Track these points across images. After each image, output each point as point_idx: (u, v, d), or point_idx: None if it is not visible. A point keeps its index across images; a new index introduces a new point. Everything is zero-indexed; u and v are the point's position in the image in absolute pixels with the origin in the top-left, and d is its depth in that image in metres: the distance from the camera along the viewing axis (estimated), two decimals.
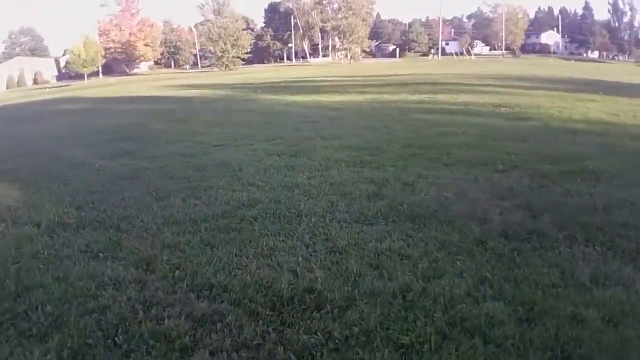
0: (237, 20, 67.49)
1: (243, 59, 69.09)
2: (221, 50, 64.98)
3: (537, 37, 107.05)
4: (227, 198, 6.03)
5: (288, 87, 27.57)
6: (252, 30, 70.75)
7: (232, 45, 65.69)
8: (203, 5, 66.83)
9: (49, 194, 6.74)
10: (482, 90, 19.64)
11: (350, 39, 69.15)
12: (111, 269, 4.08)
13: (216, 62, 66.64)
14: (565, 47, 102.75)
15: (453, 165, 7.36)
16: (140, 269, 4.10)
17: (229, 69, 64.84)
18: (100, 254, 4.43)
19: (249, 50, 69.42)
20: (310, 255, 4.25)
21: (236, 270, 3.99)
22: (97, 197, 6.44)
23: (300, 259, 4.16)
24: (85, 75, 62.05)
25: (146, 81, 48.24)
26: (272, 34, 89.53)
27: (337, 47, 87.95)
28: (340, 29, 69.09)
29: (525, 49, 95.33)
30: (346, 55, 75.40)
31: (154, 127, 13.83)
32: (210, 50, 65.58)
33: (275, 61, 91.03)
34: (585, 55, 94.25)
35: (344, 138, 10.05)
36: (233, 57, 66.20)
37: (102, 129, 14.03)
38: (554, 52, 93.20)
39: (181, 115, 16.34)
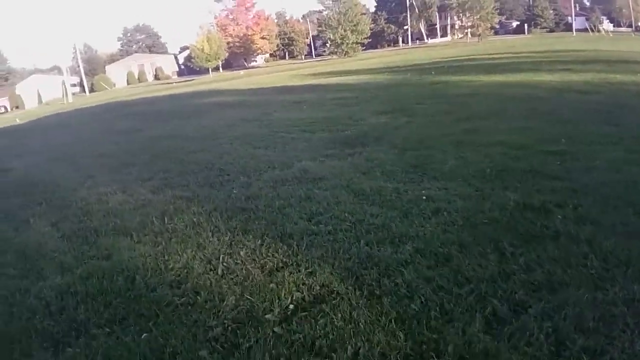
0: (355, 5, 63.19)
1: (363, 44, 64.83)
2: (341, 36, 61.14)
3: None
4: None
5: (458, 67, 22.93)
6: (364, 14, 66.12)
7: (352, 31, 61.60)
8: None
9: None
10: None
11: (478, 15, 62.20)
12: None
13: (335, 50, 62.94)
14: None
15: None
16: None
17: (349, 56, 60.95)
18: None
19: (368, 34, 64.94)
20: None
21: None
22: None
23: None
24: (210, 69, 61.11)
25: (275, 72, 45.73)
26: (386, 17, 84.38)
27: (458, 25, 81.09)
28: (468, 4, 62.33)
29: None
30: (471, 34, 68.47)
31: (380, 121, 9.94)
32: (329, 38, 61.89)
33: (388, 45, 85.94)
34: None
35: None
36: (353, 43, 62.12)
37: (309, 124, 10.41)
38: None
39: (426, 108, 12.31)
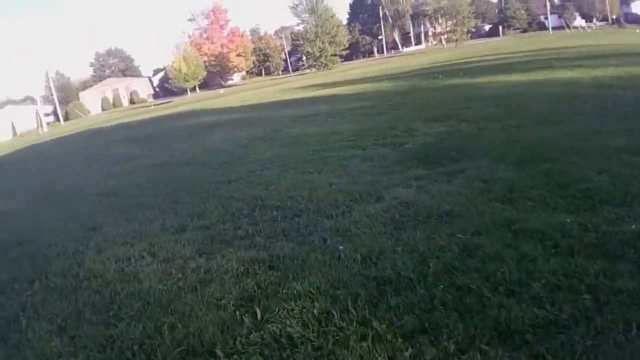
0: (332, 17, 61.85)
1: (341, 56, 63.45)
2: (319, 49, 59.63)
3: (627, 7, 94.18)
4: None
5: (461, 70, 21.36)
6: (341, 26, 64.79)
7: (330, 43, 60.19)
8: (296, 5, 61.69)
9: None
10: None
11: (455, 20, 61.42)
12: None
13: (314, 63, 61.40)
14: None
15: None
16: None
17: (328, 68, 59.48)
18: None
19: (346, 46, 63.62)
20: None
21: None
22: None
23: None
24: (189, 89, 58.74)
25: (258, 88, 43.76)
26: (360, 28, 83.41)
27: (432, 32, 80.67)
28: (444, 10, 61.54)
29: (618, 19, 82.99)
30: (446, 40, 67.87)
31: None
32: (307, 51, 60.30)
33: (364, 56, 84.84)
34: None
35: None
36: (332, 55, 60.67)
37: (349, 139, 8.47)
38: None
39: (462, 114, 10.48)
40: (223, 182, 6.74)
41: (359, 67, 48.60)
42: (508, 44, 45.13)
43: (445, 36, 67.25)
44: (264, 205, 5.27)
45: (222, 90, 52.06)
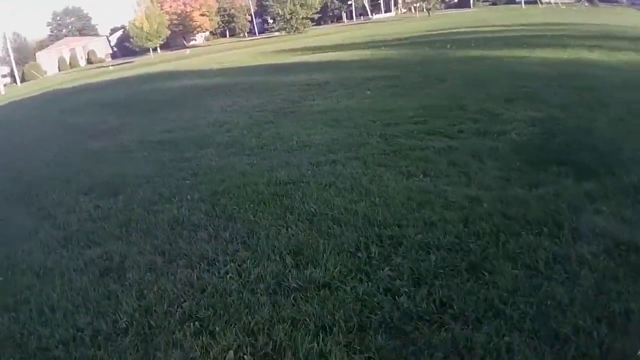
0: None
1: (312, 20, 60.23)
2: (290, 11, 56.21)
3: None
4: None
5: (468, 40, 19.49)
6: None
7: (301, 5, 56.81)
8: None
9: None
10: None
11: None
12: None
13: (284, 26, 57.94)
14: None
15: None
16: None
17: (299, 32, 56.33)
18: None
19: (318, 9, 60.38)
20: None
21: None
22: None
23: None
24: (151, 49, 54.45)
25: (228, 50, 40.58)
26: None
27: (402, 0, 78.21)
28: None
29: None
30: (415, 9, 65.75)
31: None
32: (277, 13, 56.66)
33: (331, 22, 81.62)
34: None
35: None
36: (303, 18, 57.40)
37: (412, 120, 6.50)
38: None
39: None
40: (282, 184, 4.67)
41: (334, 32, 45.84)
42: (491, 15, 43.07)
43: (418, 5, 64.87)
44: (396, 242, 3.27)
45: (188, 51, 48.40)
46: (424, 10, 63.78)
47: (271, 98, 10.76)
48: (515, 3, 74.64)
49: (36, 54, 72.70)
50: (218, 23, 76.72)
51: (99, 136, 9.21)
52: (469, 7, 74.23)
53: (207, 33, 77.94)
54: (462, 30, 26.08)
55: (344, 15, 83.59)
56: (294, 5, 56.14)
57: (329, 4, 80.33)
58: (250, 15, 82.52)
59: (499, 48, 15.52)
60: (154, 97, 14.07)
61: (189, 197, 4.61)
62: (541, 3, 58.19)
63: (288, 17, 56.73)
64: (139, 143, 7.81)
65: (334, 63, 16.69)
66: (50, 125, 12.12)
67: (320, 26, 66.71)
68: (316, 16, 60.85)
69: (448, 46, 17.38)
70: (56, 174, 6.48)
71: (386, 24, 51.31)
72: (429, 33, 26.34)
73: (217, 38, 78.96)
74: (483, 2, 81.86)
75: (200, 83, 15.74)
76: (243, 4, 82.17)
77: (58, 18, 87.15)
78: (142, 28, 51.21)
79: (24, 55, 71.68)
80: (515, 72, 10.26)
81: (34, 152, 8.57)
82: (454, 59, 13.99)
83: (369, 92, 9.37)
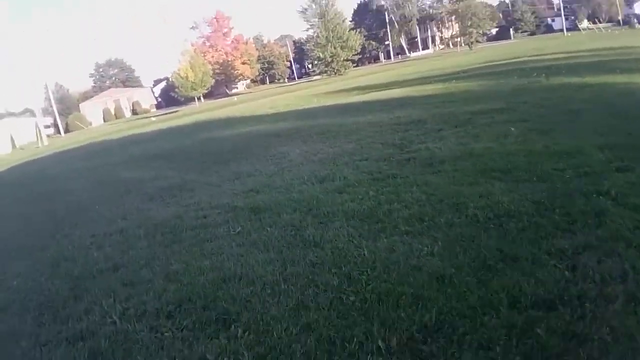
0: (343, 21, 57.69)
1: (352, 61, 59.25)
2: (331, 54, 55.38)
3: (629, 8, 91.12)
4: None
5: (548, 67, 17.15)
6: (353, 30, 60.34)
7: (342, 48, 55.98)
8: (305, 9, 57.34)
9: None
10: None
11: (469, 23, 57.37)
12: None
13: (325, 69, 57.04)
14: None
15: None
16: None
17: (340, 74, 55.21)
18: None
19: (358, 50, 59.43)
20: None
21: None
22: None
23: None
24: (196, 98, 54.21)
25: (274, 95, 39.39)
26: (366, 33, 79.36)
27: (440, 37, 77.09)
28: (459, 12, 57.52)
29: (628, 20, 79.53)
30: (453, 44, 64.12)
31: None
32: (318, 57, 55.86)
33: (369, 62, 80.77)
34: None
35: None
36: (344, 60, 56.44)
37: None
38: None
39: None
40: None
41: (377, 72, 44.27)
42: (544, 44, 40.44)
43: (460, 39, 63.13)
44: None
45: (235, 98, 47.66)
46: (463, 44, 62.15)
47: (362, 143, 8.66)
48: (552, 31, 72.32)
49: (80, 104, 73.89)
50: (258, 70, 76.97)
51: (161, 198, 7.24)
52: (508, 38, 72.13)
53: (248, 81, 78.24)
54: (528, 59, 23.68)
55: (381, 55, 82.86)
56: (335, 48, 55.35)
57: (366, 45, 79.84)
58: (289, 61, 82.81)
59: (592, 74, 13.08)
60: (214, 147, 12.22)
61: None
62: (583, 30, 55.63)
63: (329, 60, 55.91)
64: (219, 210, 5.74)
65: (408, 99, 14.59)
66: (99, 182, 10.33)
67: (358, 67, 65.66)
68: (356, 57, 59.85)
69: (543, 75, 15.01)
70: (112, 280, 4.40)
71: (428, 60, 49.48)
72: (491, 64, 24.15)
73: (258, 85, 79.09)
74: (522, 32, 79.73)
75: (263, 129, 13.89)
76: (282, 51, 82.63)
77: (101, 69, 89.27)
78: (187, 77, 51.06)
79: (67, 106, 73.01)
80: None
81: (80, 223, 6.62)
82: (556, 86, 11.67)
83: (513, 130, 7.09)
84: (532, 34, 78.82)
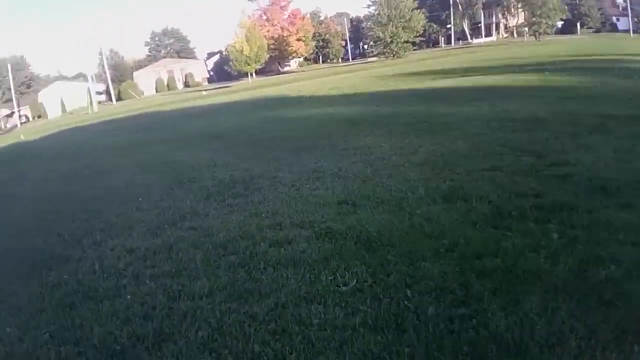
0: None
1: (414, 44, 56.09)
2: (391, 34, 52.34)
3: None
4: None
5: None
6: (417, 9, 56.58)
7: (404, 28, 52.87)
8: None
9: None
10: None
11: (539, 12, 52.91)
12: None
13: (383, 50, 54.15)
14: None
15: None
16: None
17: (398, 57, 52.35)
18: None
19: (421, 32, 56.19)
20: None
21: None
22: None
23: None
24: (249, 74, 52.72)
25: (330, 75, 37.34)
26: (427, 14, 75.50)
27: (504, 24, 72.57)
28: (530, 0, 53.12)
29: None
30: (518, 33, 59.73)
31: None
32: (378, 37, 52.94)
33: (427, 46, 76.82)
34: None
35: None
36: (404, 41, 53.37)
37: None
38: None
39: None
40: None
41: (439, 57, 41.25)
42: (620, 43, 35.99)
43: (527, 29, 58.71)
44: None
45: (292, 75, 45.82)
46: (528, 35, 57.76)
47: (474, 142, 6.71)
48: (617, 31, 66.74)
49: (133, 73, 73.69)
50: (313, 48, 74.66)
51: (221, 196, 5.58)
52: (574, 33, 66.71)
53: (301, 59, 76.10)
54: (615, 57, 19.99)
55: (440, 39, 78.88)
56: (396, 28, 52.40)
57: (426, 28, 76.10)
58: (345, 40, 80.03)
59: None
60: (279, 131, 10.52)
61: None
62: None
63: (388, 40, 53.02)
64: (307, 232, 3.99)
65: (505, 89, 12.35)
66: (146, 162, 8.81)
67: (417, 51, 62.35)
68: (418, 39, 56.62)
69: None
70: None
71: (496, 48, 45.76)
72: (574, 59, 20.66)
73: (310, 64, 76.88)
74: (587, 28, 73.82)
75: (333, 112, 12.07)
76: (339, 29, 79.89)
77: (157, 38, 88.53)
78: (242, 51, 49.47)
79: (120, 73, 72.88)
80: None
81: (115, 226, 5.04)
82: None
83: None
84: (598, 31, 72.91)
